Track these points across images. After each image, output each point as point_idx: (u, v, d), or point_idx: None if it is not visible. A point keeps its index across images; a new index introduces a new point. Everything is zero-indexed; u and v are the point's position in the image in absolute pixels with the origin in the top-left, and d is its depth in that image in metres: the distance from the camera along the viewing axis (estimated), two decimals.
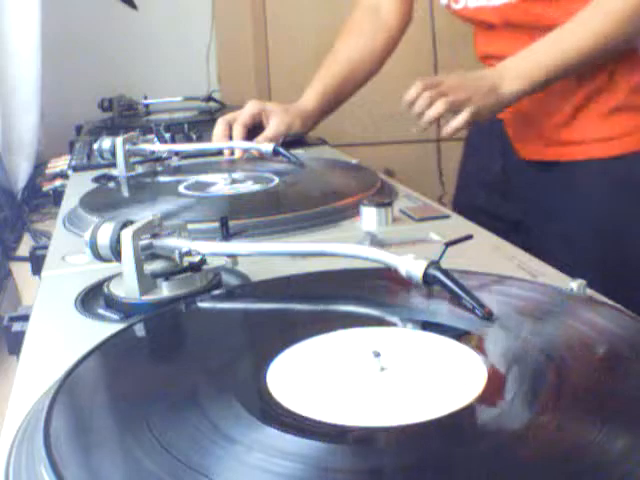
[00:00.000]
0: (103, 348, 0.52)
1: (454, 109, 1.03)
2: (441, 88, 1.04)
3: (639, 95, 1.09)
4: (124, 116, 1.86)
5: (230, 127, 1.26)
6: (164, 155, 1.19)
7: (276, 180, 1.00)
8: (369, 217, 0.82)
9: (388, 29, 1.32)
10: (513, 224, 1.16)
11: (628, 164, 1.08)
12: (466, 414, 0.41)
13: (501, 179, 1.22)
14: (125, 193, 1.07)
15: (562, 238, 1.11)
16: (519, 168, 1.18)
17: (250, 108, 1.27)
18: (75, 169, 1.30)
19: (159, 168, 1.16)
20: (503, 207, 1.21)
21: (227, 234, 0.67)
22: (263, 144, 1.13)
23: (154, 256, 0.64)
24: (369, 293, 0.60)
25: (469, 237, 0.63)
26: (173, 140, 1.33)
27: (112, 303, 0.63)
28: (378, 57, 1.33)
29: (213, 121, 1.74)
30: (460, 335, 0.51)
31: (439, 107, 1.03)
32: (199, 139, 1.43)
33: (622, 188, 1.09)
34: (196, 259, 0.64)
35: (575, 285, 0.59)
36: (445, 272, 0.55)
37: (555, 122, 1.12)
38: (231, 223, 0.68)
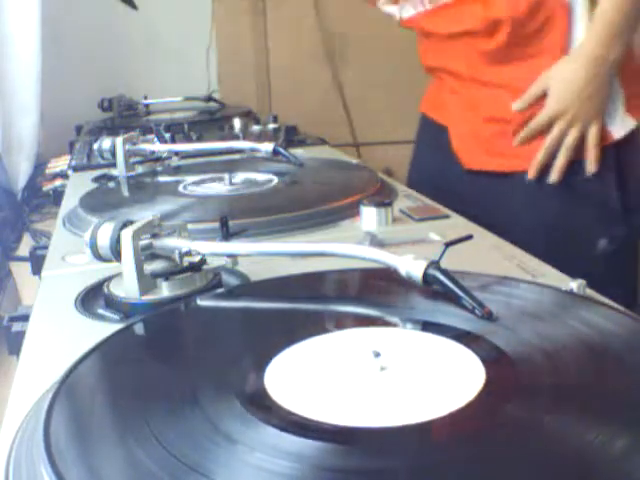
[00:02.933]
0: (103, 348, 0.52)
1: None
2: (567, 117, 1.06)
3: None
4: (124, 116, 1.86)
5: None
6: (164, 155, 1.19)
7: (276, 180, 1.00)
8: (369, 217, 0.82)
9: None
10: None
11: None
12: (465, 414, 0.41)
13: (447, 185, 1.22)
14: (125, 193, 1.07)
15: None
16: (460, 177, 1.19)
17: None
18: (75, 169, 1.30)
19: (159, 168, 1.16)
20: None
21: (227, 234, 0.67)
22: (263, 144, 1.13)
23: (154, 256, 0.64)
24: (369, 293, 0.60)
25: (469, 237, 0.63)
26: (173, 140, 1.33)
27: (112, 303, 0.63)
28: None
29: (213, 121, 1.75)
30: (460, 335, 0.51)
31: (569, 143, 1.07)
32: (199, 139, 1.43)
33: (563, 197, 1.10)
34: (196, 259, 0.64)
35: (575, 285, 0.59)
36: (445, 272, 0.55)
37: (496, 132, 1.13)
38: (231, 223, 0.68)
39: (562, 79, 1.06)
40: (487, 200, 1.13)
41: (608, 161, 1.09)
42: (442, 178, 1.22)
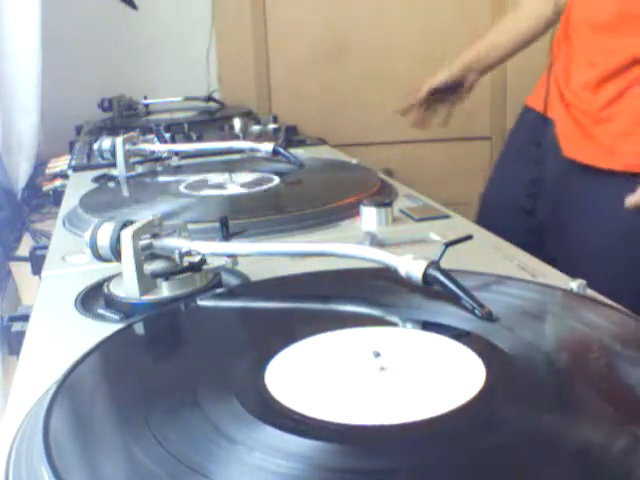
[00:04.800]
0: (103, 348, 0.52)
1: None
2: None
3: None
4: (124, 116, 1.86)
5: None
6: (164, 155, 1.19)
7: (276, 180, 1.00)
8: (369, 217, 0.82)
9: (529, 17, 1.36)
10: (539, 223, 1.16)
11: None
12: (465, 413, 0.41)
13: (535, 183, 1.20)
14: (125, 193, 1.07)
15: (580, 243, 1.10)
16: (559, 169, 1.15)
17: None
18: (75, 169, 1.30)
19: (159, 168, 1.16)
20: (534, 205, 1.19)
21: (227, 234, 0.67)
22: (263, 144, 1.13)
23: (154, 256, 0.64)
24: (369, 293, 0.60)
25: (469, 237, 0.63)
26: (173, 140, 1.33)
27: (112, 303, 0.63)
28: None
29: (213, 121, 1.75)
30: (460, 335, 0.51)
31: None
32: (199, 139, 1.43)
33: None
34: (196, 259, 0.64)
35: (575, 285, 0.59)
36: (445, 272, 0.55)
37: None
38: (231, 223, 0.68)
39: None
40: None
41: None
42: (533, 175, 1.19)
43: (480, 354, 0.48)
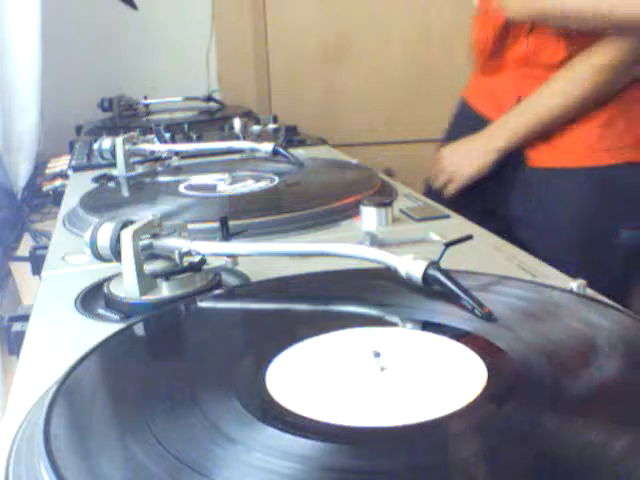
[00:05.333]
0: (103, 348, 0.52)
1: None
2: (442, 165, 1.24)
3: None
4: (124, 116, 1.86)
5: None
6: (164, 155, 1.19)
7: (276, 180, 1.00)
8: (369, 217, 0.83)
9: None
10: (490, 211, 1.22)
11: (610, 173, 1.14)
12: (466, 414, 0.41)
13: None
14: (125, 193, 1.07)
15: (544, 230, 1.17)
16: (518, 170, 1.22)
17: None
18: (75, 169, 1.30)
19: (159, 168, 1.16)
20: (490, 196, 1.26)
21: (227, 234, 0.67)
22: (263, 144, 1.13)
23: (154, 256, 0.64)
24: (369, 293, 0.60)
25: (469, 237, 0.63)
26: (173, 140, 1.33)
27: (112, 303, 0.63)
28: None
29: (213, 121, 1.75)
30: (460, 335, 0.51)
31: (439, 182, 1.25)
32: (199, 139, 1.43)
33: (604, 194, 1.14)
34: (196, 259, 0.64)
35: (575, 285, 0.59)
36: (445, 272, 0.55)
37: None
38: (231, 223, 0.68)
39: None
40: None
41: None
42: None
43: (480, 354, 0.48)
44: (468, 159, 1.21)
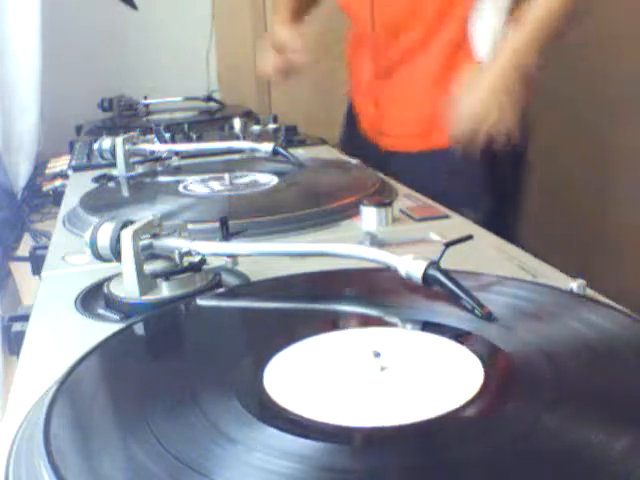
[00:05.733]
0: (103, 348, 0.52)
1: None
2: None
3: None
4: (124, 116, 1.86)
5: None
6: (164, 155, 1.19)
7: (276, 180, 1.00)
8: (369, 217, 0.83)
9: None
10: None
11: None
12: (465, 413, 0.41)
13: None
14: (125, 193, 1.07)
15: None
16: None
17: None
18: (75, 169, 1.30)
19: (159, 168, 1.16)
20: None
21: (227, 234, 0.67)
22: (263, 144, 1.13)
23: (154, 256, 0.64)
24: (369, 293, 0.60)
25: (469, 237, 0.63)
26: (173, 140, 1.33)
27: (112, 303, 0.63)
28: None
29: (213, 121, 1.75)
30: (459, 335, 0.51)
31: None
32: (199, 139, 1.43)
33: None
34: (196, 259, 0.64)
35: (575, 285, 0.59)
36: (444, 272, 0.55)
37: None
38: (231, 223, 0.68)
39: None
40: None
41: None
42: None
43: (479, 354, 0.48)
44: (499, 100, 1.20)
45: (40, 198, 1.45)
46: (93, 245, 0.64)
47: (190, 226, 0.67)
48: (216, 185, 0.99)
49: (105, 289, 0.64)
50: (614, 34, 1.86)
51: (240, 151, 1.22)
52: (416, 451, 0.39)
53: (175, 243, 0.63)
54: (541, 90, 1.32)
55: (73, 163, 1.34)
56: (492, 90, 1.18)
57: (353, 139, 1.46)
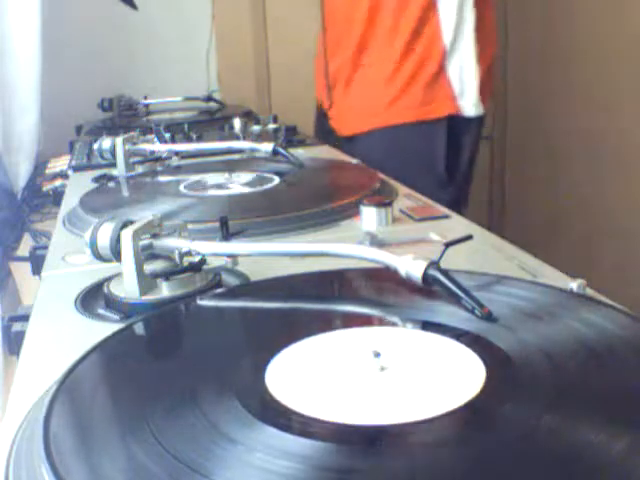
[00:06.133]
0: (103, 348, 0.52)
1: None
2: None
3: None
4: (124, 116, 1.86)
5: None
6: (164, 155, 1.19)
7: (276, 180, 1.00)
8: (369, 217, 0.83)
9: None
10: None
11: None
12: (465, 413, 0.41)
13: None
14: (125, 193, 1.07)
15: None
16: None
17: None
18: (75, 169, 1.30)
19: (159, 168, 1.16)
20: None
21: (227, 234, 0.67)
22: (263, 144, 1.13)
23: (154, 256, 0.64)
24: (369, 293, 0.60)
25: (469, 237, 0.63)
26: (173, 140, 1.33)
27: (112, 303, 0.63)
28: None
29: (213, 121, 1.75)
30: (460, 335, 0.51)
31: None
32: (199, 139, 1.43)
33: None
34: (196, 259, 0.64)
35: (575, 285, 0.59)
36: (444, 272, 0.55)
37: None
38: (231, 223, 0.68)
39: None
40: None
41: (440, 132, 1.34)
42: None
43: (480, 354, 0.48)
44: None
45: (40, 198, 1.45)
46: (93, 245, 0.64)
47: (190, 226, 0.67)
48: (216, 185, 0.99)
49: (105, 289, 0.64)
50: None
51: (240, 151, 1.22)
52: (417, 451, 0.39)
53: (175, 243, 0.63)
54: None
55: (73, 163, 1.34)
56: None
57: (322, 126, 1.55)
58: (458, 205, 1.35)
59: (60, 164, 1.48)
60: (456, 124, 1.36)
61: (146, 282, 0.62)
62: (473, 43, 1.34)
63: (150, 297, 0.62)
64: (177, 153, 1.22)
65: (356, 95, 1.44)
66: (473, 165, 1.48)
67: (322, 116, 1.57)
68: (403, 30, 1.34)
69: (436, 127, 1.35)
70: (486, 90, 1.38)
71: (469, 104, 1.36)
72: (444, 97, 1.35)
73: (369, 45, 1.40)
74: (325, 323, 0.54)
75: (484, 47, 1.36)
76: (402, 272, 0.56)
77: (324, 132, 1.55)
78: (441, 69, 1.34)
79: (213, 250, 0.64)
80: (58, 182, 1.38)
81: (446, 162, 1.36)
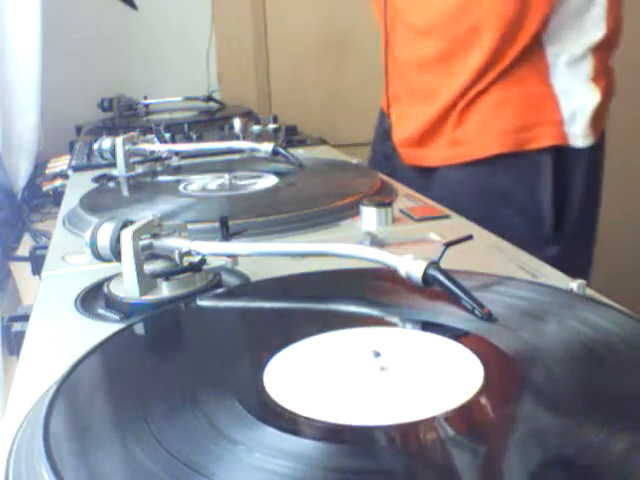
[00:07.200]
0: (103, 348, 0.52)
1: None
2: None
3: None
4: (124, 116, 1.86)
5: None
6: (164, 155, 1.19)
7: (276, 180, 1.00)
8: (369, 217, 0.82)
9: None
10: None
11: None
12: (465, 413, 0.41)
13: None
14: (125, 193, 1.07)
15: None
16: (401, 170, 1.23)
17: None
18: (75, 169, 1.30)
19: (159, 168, 1.16)
20: None
21: (227, 234, 0.67)
22: (263, 144, 1.13)
23: (154, 256, 0.64)
24: (369, 293, 0.60)
25: (469, 237, 0.63)
26: (173, 140, 1.33)
27: (112, 303, 0.63)
28: None
29: (213, 121, 1.75)
30: (459, 335, 0.51)
31: None
32: (199, 139, 1.43)
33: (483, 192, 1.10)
34: (196, 259, 0.64)
35: (575, 285, 0.59)
36: (444, 272, 0.55)
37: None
38: (231, 223, 0.68)
39: None
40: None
41: (545, 169, 1.06)
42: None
43: (479, 354, 0.48)
44: None
45: (40, 198, 1.45)
46: (93, 245, 0.64)
47: (190, 226, 0.67)
48: (216, 185, 0.99)
49: (105, 289, 0.64)
50: None
51: (240, 151, 1.22)
52: (417, 451, 0.39)
53: (175, 243, 0.63)
54: None
55: (73, 163, 1.34)
56: None
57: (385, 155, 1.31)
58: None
59: (60, 164, 1.48)
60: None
61: (146, 282, 0.62)
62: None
63: (150, 297, 0.62)
64: (177, 153, 1.22)
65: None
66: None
67: (385, 132, 1.35)
68: None
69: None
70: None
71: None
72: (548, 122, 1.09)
73: None
74: (325, 323, 0.54)
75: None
76: (402, 272, 0.56)
77: (384, 154, 1.33)
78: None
79: (213, 250, 0.64)
80: (58, 182, 1.38)
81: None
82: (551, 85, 1.07)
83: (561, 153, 1.07)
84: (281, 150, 1.10)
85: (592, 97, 1.07)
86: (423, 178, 1.17)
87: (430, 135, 1.17)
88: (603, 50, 1.08)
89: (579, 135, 1.07)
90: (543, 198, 1.06)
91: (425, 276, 0.55)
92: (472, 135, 1.11)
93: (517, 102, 1.08)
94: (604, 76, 1.08)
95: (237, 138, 1.33)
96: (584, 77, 1.07)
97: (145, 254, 0.63)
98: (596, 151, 1.10)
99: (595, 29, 1.06)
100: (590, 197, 1.12)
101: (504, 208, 1.07)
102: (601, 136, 1.12)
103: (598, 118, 1.08)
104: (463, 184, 1.11)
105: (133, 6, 1.96)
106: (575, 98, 1.07)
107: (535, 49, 1.07)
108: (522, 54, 1.07)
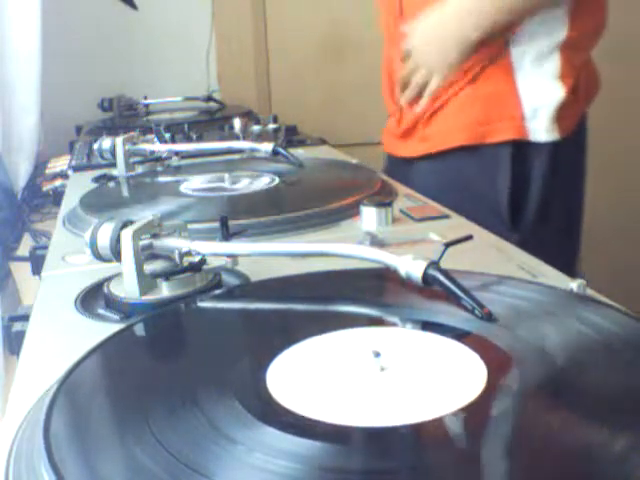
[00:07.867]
0: (103, 348, 0.52)
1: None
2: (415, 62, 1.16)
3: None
4: (124, 116, 1.86)
5: None
6: (164, 155, 1.19)
7: (276, 180, 1.00)
8: (369, 217, 0.82)
9: None
10: None
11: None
12: (466, 414, 0.41)
13: None
14: (125, 193, 1.07)
15: None
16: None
17: None
18: (75, 169, 1.30)
19: (159, 168, 1.16)
20: None
21: (227, 234, 0.67)
22: (263, 144, 1.13)
23: (154, 256, 0.64)
24: (369, 293, 0.60)
25: (469, 237, 0.63)
26: (173, 140, 1.33)
27: (112, 303, 0.63)
28: None
29: (213, 121, 1.75)
30: (460, 335, 0.51)
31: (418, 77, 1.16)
32: (199, 139, 1.43)
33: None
34: (196, 259, 0.64)
35: (575, 285, 0.59)
36: (444, 273, 0.55)
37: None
38: (231, 223, 0.68)
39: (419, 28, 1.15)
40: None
41: (504, 161, 1.11)
42: None
43: (480, 354, 0.48)
44: (444, 48, 1.13)
45: (40, 198, 1.45)
46: (93, 245, 0.64)
47: (190, 226, 0.67)
48: (216, 185, 0.99)
49: (105, 289, 0.64)
50: None
51: (240, 151, 1.22)
52: (417, 451, 0.39)
53: (175, 243, 0.63)
54: None
55: (73, 163, 1.34)
56: (430, 37, 1.13)
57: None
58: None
59: (60, 164, 1.48)
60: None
61: (146, 282, 0.62)
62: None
63: (150, 297, 0.62)
64: (177, 153, 1.22)
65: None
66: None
67: None
68: None
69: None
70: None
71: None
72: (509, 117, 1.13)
73: None
74: (325, 323, 0.54)
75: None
76: (402, 272, 0.56)
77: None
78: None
79: (213, 250, 0.64)
80: (58, 182, 1.38)
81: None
82: (515, 82, 1.12)
83: (521, 147, 1.12)
84: (281, 150, 1.10)
85: (557, 94, 1.11)
86: (403, 167, 1.24)
87: (409, 132, 1.24)
88: (572, 49, 1.11)
89: (541, 130, 1.11)
90: (501, 188, 1.12)
91: (425, 276, 0.55)
92: (440, 129, 1.18)
93: (482, 99, 1.13)
94: (572, 74, 1.12)
95: (237, 138, 1.33)
96: (550, 75, 1.11)
97: (145, 254, 0.63)
98: (564, 146, 1.13)
99: (559, 28, 1.10)
100: (556, 190, 1.15)
101: (469, 196, 1.12)
102: (577, 133, 1.15)
103: (564, 114, 1.12)
104: (436, 175, 1.18)
105: (133, 6, 1.96)
106: (539, 95, 1.11)
107: (501, 51, 1.11)
108: (489, 58, 1.12)
